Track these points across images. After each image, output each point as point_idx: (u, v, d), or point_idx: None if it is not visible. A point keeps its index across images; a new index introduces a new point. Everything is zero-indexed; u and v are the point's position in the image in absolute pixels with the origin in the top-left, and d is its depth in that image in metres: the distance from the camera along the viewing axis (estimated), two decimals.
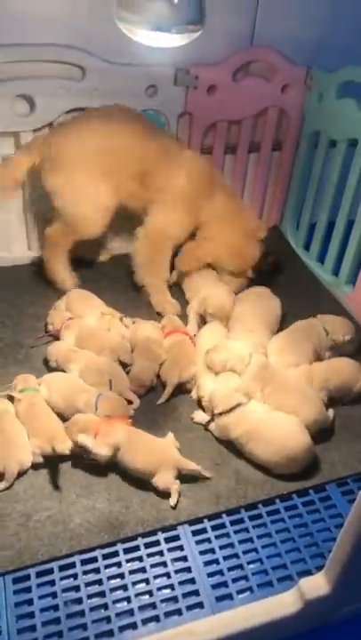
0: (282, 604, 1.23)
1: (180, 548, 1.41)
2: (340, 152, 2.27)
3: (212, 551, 1.41)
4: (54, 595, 1.30)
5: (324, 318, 1.98)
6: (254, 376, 1.69)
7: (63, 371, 1.80)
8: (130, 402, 1.73)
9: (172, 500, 1.47)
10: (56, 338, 1.95)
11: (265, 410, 1.64)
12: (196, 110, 2.28)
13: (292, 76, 2.33)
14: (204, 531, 1.45)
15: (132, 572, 1.36)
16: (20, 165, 2.04)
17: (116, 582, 1.34)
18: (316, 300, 2.31)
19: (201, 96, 2.25)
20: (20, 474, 1.52)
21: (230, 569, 1.37)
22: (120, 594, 1.32)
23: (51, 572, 1.34)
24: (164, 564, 1.38)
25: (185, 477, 1.54)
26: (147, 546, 1.41)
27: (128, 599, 1.31)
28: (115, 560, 1.37)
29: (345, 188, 2.26)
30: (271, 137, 2.48)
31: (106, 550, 1.39)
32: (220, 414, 1.62)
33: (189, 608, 1.30)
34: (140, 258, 2.17)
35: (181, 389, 1.82)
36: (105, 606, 1.29)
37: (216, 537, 1.44)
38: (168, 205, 2.12)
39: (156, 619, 1.28)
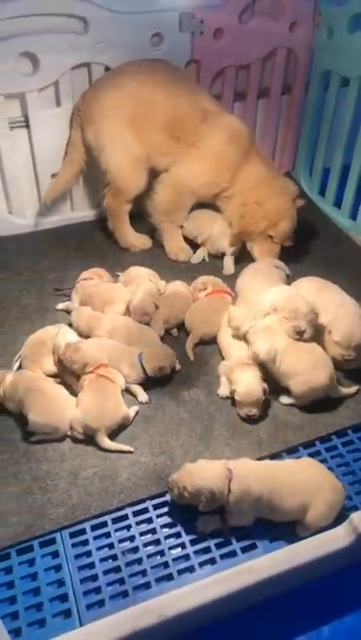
0: (335, 537, 1.26)
1: None
2: (353, 90, 2.20)
3: None
4: (111, 545, 1.34)
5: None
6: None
7: (88, 337, 1.78)
8: None
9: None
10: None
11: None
12: (203, 57, 2.21)
13: (300, 13, 2.26)
14: None
15: (184, 520, 1.39)
16: (77, 138, 2.13)
17: (169, 530, 1.38)
18: (335, 245, 2.29)
19: (207, 41, 2.17)
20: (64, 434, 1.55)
21: None
22: (174, 541, 1.36)
23: (105, 524, 1.38)
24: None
25: (226, 426, 1.57)
26: None
27: (183, 545, 1.35)
28: (165, 509, 1.41)
29: (359, 129, 2.20)
30: (280, 80, 2.41)
31: (156, 501, 1.42)
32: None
33: (244, 550, 1.34)
34: (160, 204, 2.16)
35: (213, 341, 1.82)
36: (161, 553, 1.34)
37: None
38: (199, 161, 2.09)
39: (212, 561, 1.32)
